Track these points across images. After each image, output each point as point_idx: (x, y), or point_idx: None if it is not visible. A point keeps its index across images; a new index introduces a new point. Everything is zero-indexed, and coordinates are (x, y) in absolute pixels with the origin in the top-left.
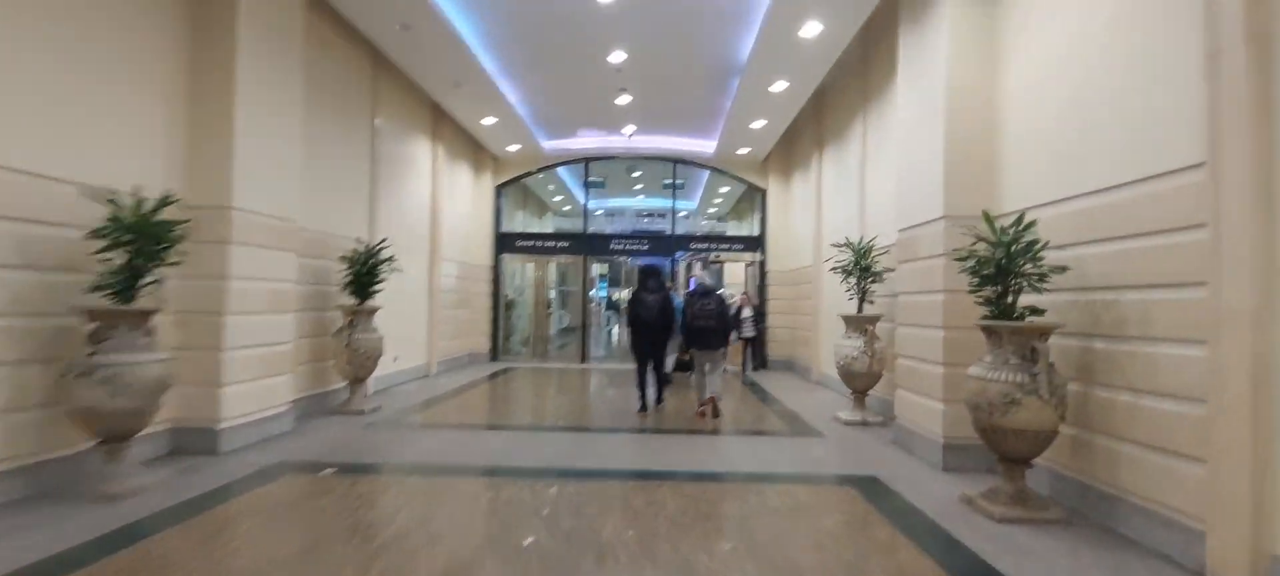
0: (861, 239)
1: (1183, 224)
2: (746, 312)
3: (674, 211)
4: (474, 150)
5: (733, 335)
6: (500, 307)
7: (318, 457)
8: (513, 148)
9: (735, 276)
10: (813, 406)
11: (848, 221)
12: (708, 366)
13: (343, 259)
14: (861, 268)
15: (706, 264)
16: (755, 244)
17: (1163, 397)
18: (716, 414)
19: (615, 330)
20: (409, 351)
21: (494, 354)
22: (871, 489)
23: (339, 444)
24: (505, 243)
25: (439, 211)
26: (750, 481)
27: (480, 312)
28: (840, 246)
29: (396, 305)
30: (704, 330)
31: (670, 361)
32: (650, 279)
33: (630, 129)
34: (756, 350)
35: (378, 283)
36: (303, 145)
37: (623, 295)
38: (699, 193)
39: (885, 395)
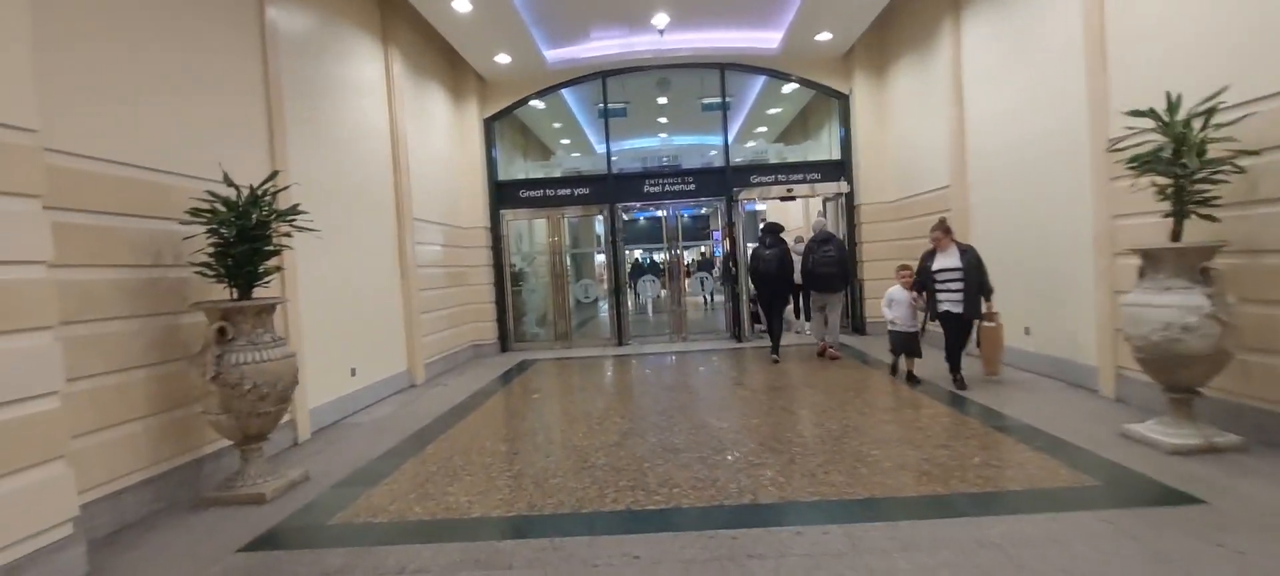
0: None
1: None
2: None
3: (726, 139)
4: (449, 63)
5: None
6: (505, 281)
7: None
8: (502, 58)
9: (784, 217)
10: (1052, 414)
11: (1020, 114)
12: (827, 308)
13: (195, 214)
14: (1184, 160)
15: (783, 198)
16: (836, 170)
17: None
18: (835, 357)
19: (653, 296)
20: (376, 357)
21: (503, 343)
22: None
23: None
24: (504, 194)
25: (401, 150)
26: None
27: (480, 291)
28: (1142, 115)
29: (343, 292)
30: (827, 275)
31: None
32: (768, 235)
33: (662, 20)
34: (845, 310)
35: (267, 258)
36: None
37: (663, 257)
38: (742, 115)
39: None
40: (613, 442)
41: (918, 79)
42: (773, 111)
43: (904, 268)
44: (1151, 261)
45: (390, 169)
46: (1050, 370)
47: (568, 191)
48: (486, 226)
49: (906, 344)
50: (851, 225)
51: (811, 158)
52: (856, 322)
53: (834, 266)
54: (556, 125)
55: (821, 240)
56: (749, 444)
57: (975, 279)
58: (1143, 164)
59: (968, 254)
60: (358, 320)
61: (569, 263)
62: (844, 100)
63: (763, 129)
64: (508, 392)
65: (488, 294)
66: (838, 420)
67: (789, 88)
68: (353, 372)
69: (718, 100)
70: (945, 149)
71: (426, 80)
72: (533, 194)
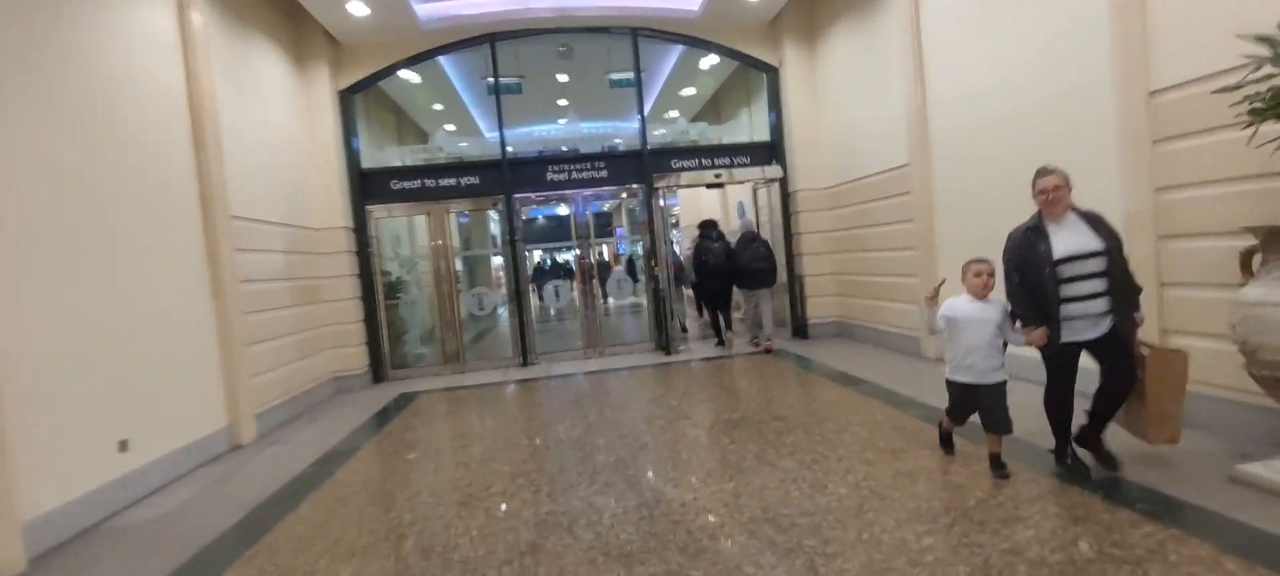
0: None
1: None
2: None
3: (643, 118)
4: (286, 15)
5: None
6: (377, 294)
7: None
8: (358, 8)
9: (700, 210)
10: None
11: (1008, 82)
12: (759, 302)
13: None
14: None
15: (710, 185)
16: (766, 153)
17: None
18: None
19: (560, 300)
20: (166, 418)
21: (377, 371)
22: None
23: None
24: (371, 186)
25: (208, 123)
26: None
27: (342, 308)
28: (1265, 39)
29: (99, 326)
30: (761, 270)
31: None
32: (711, 230)
33: None
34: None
35: None
36: None
37: (568, 258)
38: (655, 92)
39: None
40: (527, 543)
41: (859, 46)
42: (688, 92)
43: (979, 265)
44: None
45: (190, 148)
46: None
47: (453, 181)
48: (348, 226)
49: (987, 407)
50: (786, 214)
51: (738, 139)
52: (798, 324)
53: (766, 263)
54: (437, 106)
55: (750, 239)
56: (736, 533)
57: (1121, 269)
58: (1270, 107)
59: (1101, 225)
60: (131, 366)
61: (459, 267)
62: (773, 73)
63: (674, 114)
64: (376, 449)
65: (353, 311)
66: (855, 486)
67: (708, 61)
68: (123, 447)
69: (629, 76)
70: (900, 125)
71: (251, 34)
72: (408, 185)
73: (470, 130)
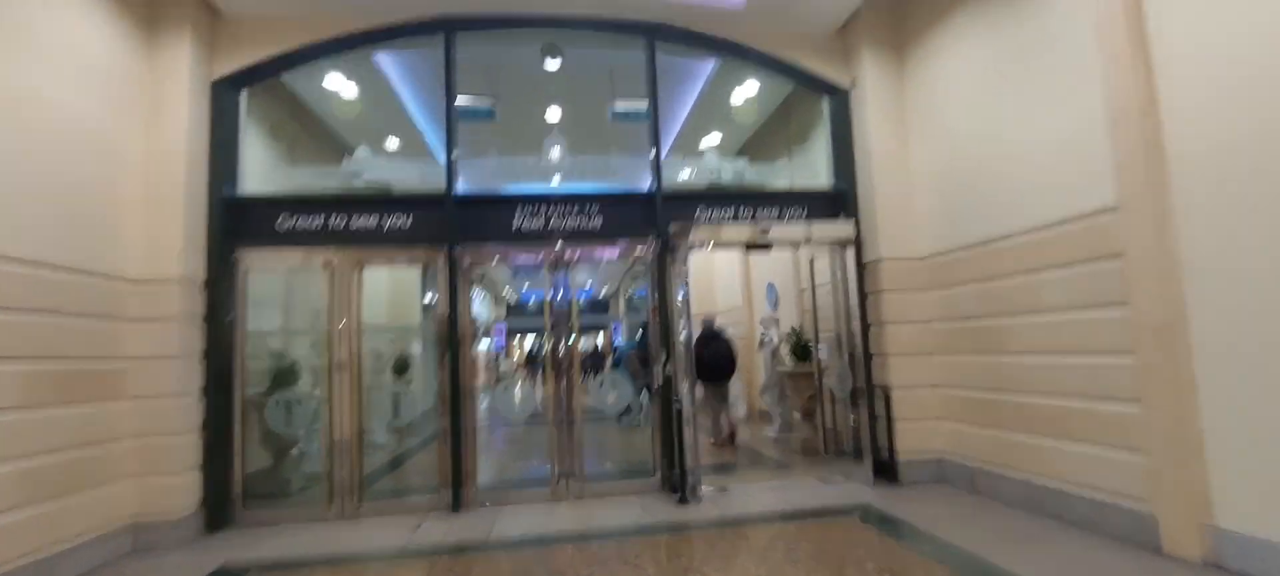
0: None
1: None
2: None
3: (657, 151)
4: None
5: (769, 395)
6: (235, 386)
7: None
8: None
9: (712, 287)
10: None
11: None
12: (727, 396)
13: None
14: None
15: (751, 245)
16: (829, 204)
17: None
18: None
19: (526, 411)
20: None
21: (215, 515)
22: None
23: None
24: (248, 221)
25: None
26: None
27: (158, 407)
28: None
29: None
30: (723, 366)
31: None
32: (712, 325)
33: None
34: (865, 431)
35: None
36: None
37: (547, 344)
38: (674, 128)
39: None
40: None
41: (997, 45)
42: (711, 138)
43: None
44: None
45: None
46: None
47: (372, 221)
48: (193, 279)
49: None
50: (862, 293)
51: (790, 184)
52: (881, 461)
53: (727, 361)
54: (374, 121)
55: (712, 336)
56: None
57: None
58: None
59: None
60: None
61: (364, 350)
62: (839, 98)
63: (713, 143)
64: None
65: (179, 415)
66: None
67: (746, 89)
68: None
69: (639, 106)
70: (1095, 145)
71: None
72: (306, 223)
73: (419, 154)
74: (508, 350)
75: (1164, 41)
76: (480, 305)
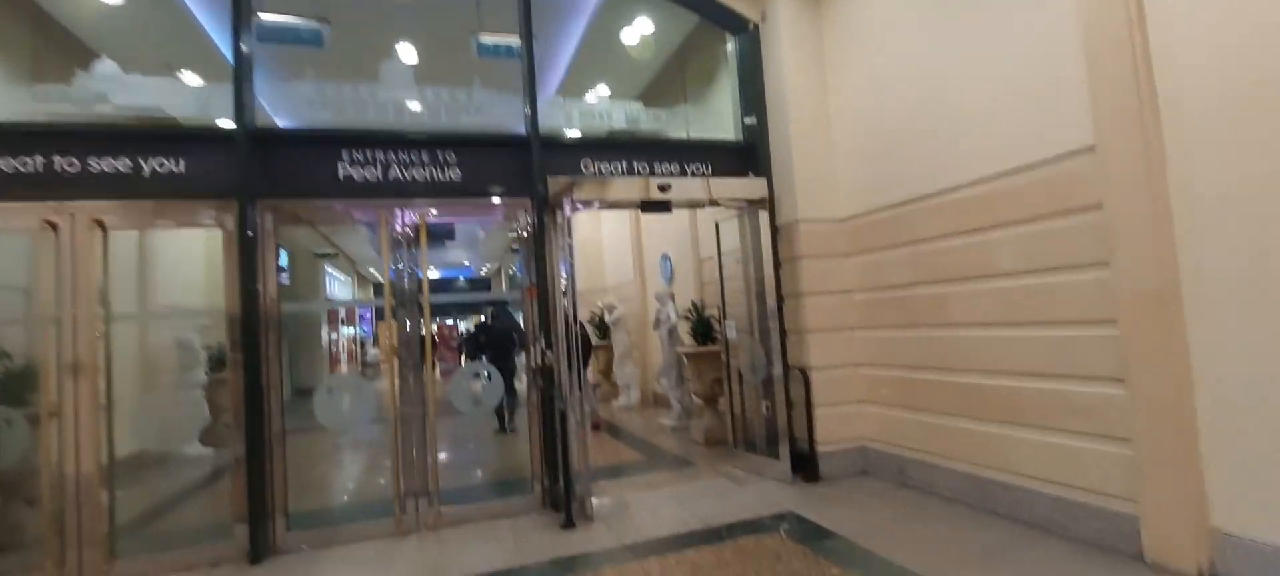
0: None
1: None
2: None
3: (531, 91)
4: None
5: (667, 379)
6: None
7: None
8: None
9: (599, 251)
10: None
11: None
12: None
13: None
14: None
15: (646, 205)
16: (737, 159)
17: None
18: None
19: (361, 418)
20: None
21: None
22: None
23: None
24: None
25: None
26: None
27: None
28: None
29: None
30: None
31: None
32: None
33: None
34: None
35: None
36: None
37: (390, 331)
38: (558, 73)
39: None
40: None
41: None
42: (601, 89)
43: None
44: None
45: None
46: None
47: (125, 163)
48: None
49: None
50: (776, 261)
51: (692, 134)
52: (799, 453)
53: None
54: (149, 32)
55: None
56: None
57: None
58: None
59: None
60: None
61: (147, 344)
62: (747, 37)
63: (601, 93)
64: None
65: None
66: None
67: (637, 24)
68: None
69: (510, 41)
70: (1065, 71)
71: None
72: (14, 164)
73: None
74: (376, 337)
75: None
76: (338, 286)
